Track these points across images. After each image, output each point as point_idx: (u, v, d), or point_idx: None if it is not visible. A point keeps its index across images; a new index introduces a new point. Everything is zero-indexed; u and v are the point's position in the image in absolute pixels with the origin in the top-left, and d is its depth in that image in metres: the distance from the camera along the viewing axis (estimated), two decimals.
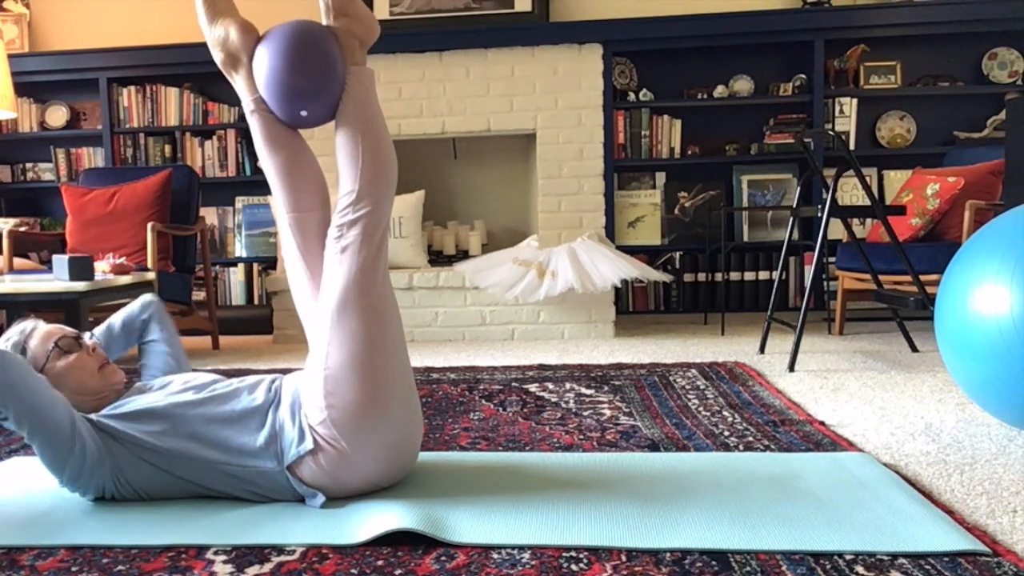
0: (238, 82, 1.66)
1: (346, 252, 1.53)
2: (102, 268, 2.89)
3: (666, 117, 4.49)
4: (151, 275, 3.03)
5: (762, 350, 3.25)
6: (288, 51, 1.55)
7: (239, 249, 4.81)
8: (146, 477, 1.54)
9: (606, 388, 2.60)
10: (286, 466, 1.51)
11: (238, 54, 1.63)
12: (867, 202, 3.79)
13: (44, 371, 1.55)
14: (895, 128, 4.48)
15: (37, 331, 1.60)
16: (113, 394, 1.63)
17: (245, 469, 1.52)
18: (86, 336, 1.67)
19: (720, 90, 4.45)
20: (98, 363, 1.62)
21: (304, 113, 1.60)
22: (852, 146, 4.40)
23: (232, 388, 1.61)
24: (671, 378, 2.73)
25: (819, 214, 2.96)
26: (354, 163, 1.56)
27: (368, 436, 1.50)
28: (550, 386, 2.64)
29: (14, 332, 1.61)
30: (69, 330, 1.64)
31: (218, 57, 1.66)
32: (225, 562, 1.29)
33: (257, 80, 1.61)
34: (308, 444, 1.49)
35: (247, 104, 1.64)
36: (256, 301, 4.75)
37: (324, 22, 1.62)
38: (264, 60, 1.58)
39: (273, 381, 1.63)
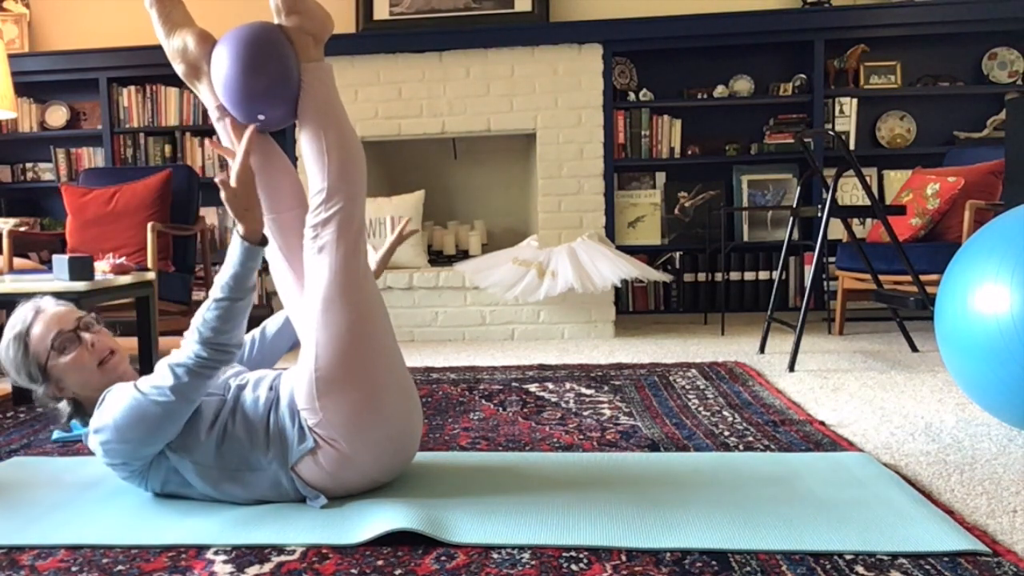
0: (202, 91, 1.65)
1: (323, 251, 1.52)
2: (102, 268, 2.88)
3: (666, 117, 4.49)
4: (151, 275, 3.02)
5: (762, 350, 3.25)
6: (237, 55, 1.53)
7: None
8: (156, 470, 1.55)
9: (606, 388, 2.60)
10: (290, 467, 1.50)
11: (198, 63, 1.63)
12: (867, 202, 3.78)
13: (48, 367, 1.54)
14: (895, 128, 4.48)
15: (38, 322, 1.56)
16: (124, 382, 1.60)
17: (252, 475, 1.51)
18: (93, 321, 1.62)
19: (720, 90, 4.45)
20: (97, 359, 1.57)
21: (261, 117, 1.57)
22: (852, 146, 4.40)
23: (237, 384, 1.60)
24: (671, 378, 2.73)
25: (819, 214, 2.96)
26: (321, 160, 1.54)
27: (366, 434, 1.50)
28: (550, 386, 2.64)
29: (18, 320, 1.57)
30: (69, 320, 1.58)
31: (179, 69, 1.66)
32: (225, 562, 1.29)
33: (215, 87, 1.59)
34: (309, 443, 1.49)
35: (212, 112, 1.64)
36: (256, 301, 4.74)
37: (276, 21, 1.60)
38: (217, 66, 1.56)
39: (275, 378, 1.62)
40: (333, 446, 1.49)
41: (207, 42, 1.62)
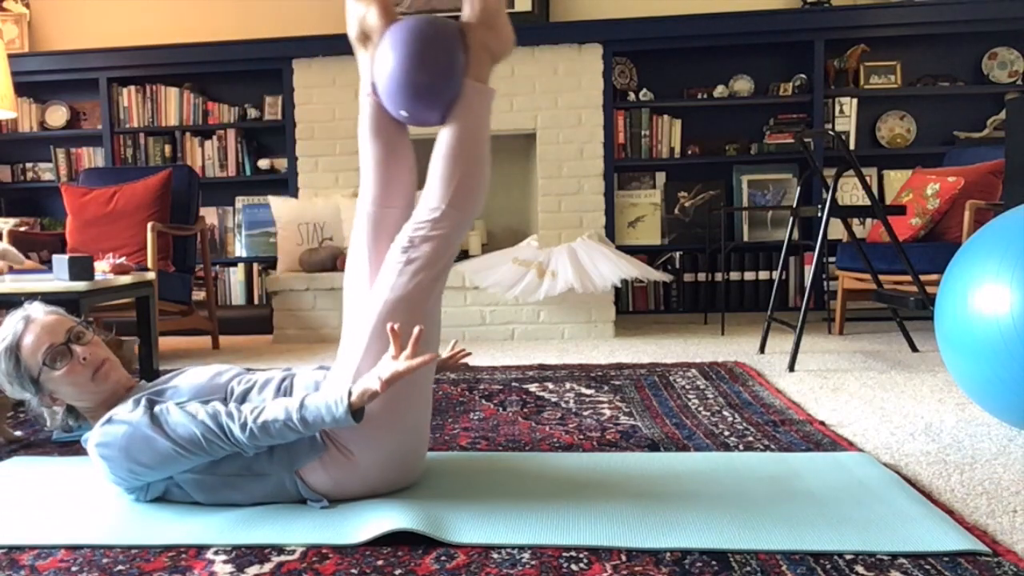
0: (362, 58, 1.64)
1: (411, 265, 1.50)
2: (102, 268, 2.88)
3: (666, 117, 4.50)
4: (151, 275, 3.02)
5: (762, 350, 3.25)
6: (409, 42, 1.50)
7: (239, 249, 4.81)
8: (156, 483, 1.53)
9: (606, 388, 2.59)
10: (295, 470, 1.49)
11: (371, 34, 1.61)
12: (867, 202, 3.78)
13: (40, 381, 1.52)
14: (895, 128, 4.48)
15: (28, 333, 1.52)
16: (121, 392, 1.58)
17: (254, 479, 1.50)
18: (84, 330, 1.57)
19: (720, 90, 4.45)
20: (91, 370, 1.54)
21: (404, 113, 1.56)
22: (852, 146, 4.40)
23: (242, 388, 1.58)
24: (671, 378, 2.73)
25: (819, 214, 2.96)
26: (447, 181, 1.53)
27: (380, 446, 1.50)
28: (550, 386, 2.64)
29: (8, 331, 1.53)
30: (59, 331, 1.53)
31: (352, 30, 1.64)
32: (225, 562, 1.29)
33: (375, 66, 1.58)
34: (320, 450, 1.48)
35: (365, 84, 1.62)
36: (256, 301, 4.75)
37: (463, 19, 1.57)
38: (384, 48, 1.55)
39: (283, 380, 1.59)
40: (344, 454, 1.48)
41: (389, 17, 1.60)
